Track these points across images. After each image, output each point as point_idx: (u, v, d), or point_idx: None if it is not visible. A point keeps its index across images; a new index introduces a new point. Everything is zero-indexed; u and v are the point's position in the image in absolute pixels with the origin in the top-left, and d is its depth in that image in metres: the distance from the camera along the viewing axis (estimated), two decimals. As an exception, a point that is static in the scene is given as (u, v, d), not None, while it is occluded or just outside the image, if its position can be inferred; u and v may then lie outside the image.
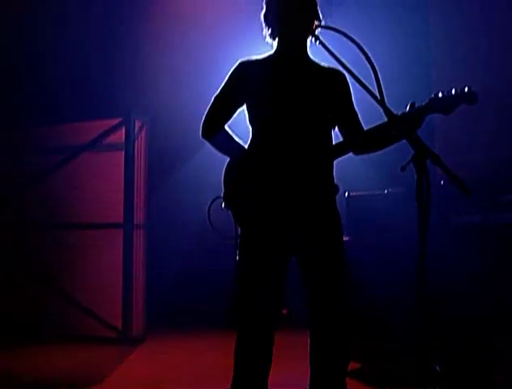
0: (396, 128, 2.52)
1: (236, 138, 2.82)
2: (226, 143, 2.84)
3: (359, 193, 5.25)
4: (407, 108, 2.57)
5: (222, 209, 2.83)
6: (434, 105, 2.57)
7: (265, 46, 2.86)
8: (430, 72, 6.37)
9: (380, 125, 2.66)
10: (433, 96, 2.58)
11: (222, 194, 2.81)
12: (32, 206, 6.48)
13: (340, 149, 2.77)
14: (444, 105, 2.56)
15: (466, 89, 2.52)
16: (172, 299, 7.08)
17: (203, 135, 2.83)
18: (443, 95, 2.56)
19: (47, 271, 6.33)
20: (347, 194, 5.12)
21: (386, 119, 2.46)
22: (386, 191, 5.14)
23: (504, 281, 4.50)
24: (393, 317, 4.64)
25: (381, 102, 2.28)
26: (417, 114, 2.56)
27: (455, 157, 5.01)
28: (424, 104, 2.59)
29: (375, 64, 2.30)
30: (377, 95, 2.29)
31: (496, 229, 4.72)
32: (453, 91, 2.55)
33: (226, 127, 2.84)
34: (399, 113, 2.50)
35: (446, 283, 4.47)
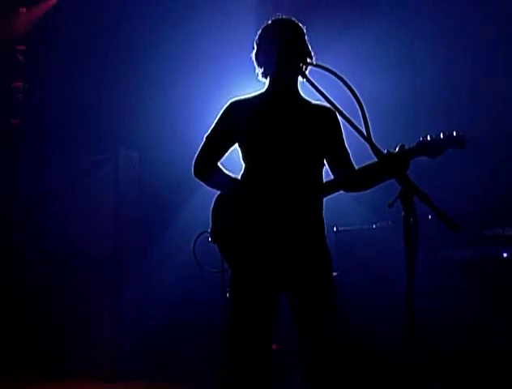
0: (385, 168, 2.54)
1: (227, 172, 2.85)
2: (217, 180, 2.86)
3: (347, 228, 5.27)
4: (397, 149, 2.60)
5: (208, 242, 2.84)
6: (423, 148, 2.62)
7: (256, 84, 2.90)
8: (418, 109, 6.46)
9: (369, 164, 2.69)
10: (421, 139, 2.63)
11: (209, 229, 2.82)
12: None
13: (330, 187, 2.80)
14: (432, 149, 2.61)
15: (454, 133, 2.57)
16: (158, 344, 6.97)
17: (196, 175, 2.86)
18: (432, 138, 2.61)
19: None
20: (335, 228, 5.13)
21: (373, 156, 2.48)
22: (374, 226, 5.16)
23: (492, 315, 4.51)
24: (381, 351, 4.62)
25: (367, 139, 2.31)
26: (406, 156, 2.59)
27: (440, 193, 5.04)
28: (412, 146, 2.63)
29: (362, 101, 2.34)
30: (364, 131, 2.32)
31: (482, 264, 4.74)
32: (441, 135, 2.59)
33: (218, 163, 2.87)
34: (386, 151, 2.52)
35: (434, 317, 4.48)
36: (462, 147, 2.58)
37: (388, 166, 2.45)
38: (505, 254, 4.77)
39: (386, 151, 2.51)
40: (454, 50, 6.16)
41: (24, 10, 9.14)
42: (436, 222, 2.29)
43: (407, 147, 2.63)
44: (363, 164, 2.76)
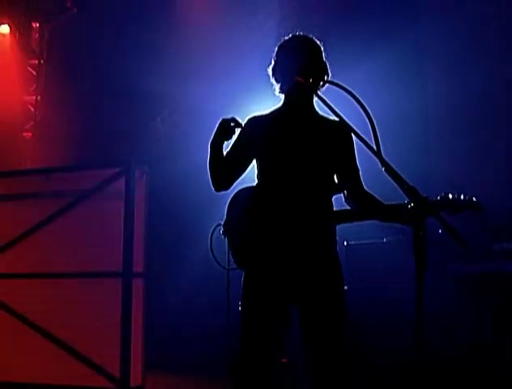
0: (406, 216, 2.60)
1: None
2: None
3: (358, 242, 5.28)
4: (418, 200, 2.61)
5: (220, 234, 2.91)
6: (443, 205, 2.73)
7: (271, 99, 2.94)
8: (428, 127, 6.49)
9: (388, 206, 2.76)
10: (443, 194, 2.75)
11: (223, 221, 2.88)
12: (29, 253, 6.47)
13: (344, 216, 2.85)
14: (452, 208, 2.73)
15: (474, 199, 2.72)
16: (172, 347, 7.02)
17: (216, 190, 2.91)
18: (453, 197, 2.72)
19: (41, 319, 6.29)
20: (345, 243, 5.15)
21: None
22: (384, 240, 5.17)
23: (500, 329, 4.50)
24: (392, 365, 4.62)
25: (377, 154, 2.34)
26: (428, 208, 2.61)
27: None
28: (435, 200, 2.73)
29: (373, 117, 2.37)
30: (374, 147, 2.35)
31: (492, 277, 4.74)
32: (461, 197, 2.73)
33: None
34: (408, 204, 2.55)
35: (444, 331, 4.47)
36: (480, 212, 2.73)
37: (408, 215, 2.50)
38: (515, 268, 4.77)
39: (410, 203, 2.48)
40: (465, 66, 6.19)
41: (37, 24, 9.30)
42: (446, 235, 2.31)
43: (429, 200, 2.65)
44: (378, 199, 2.82)
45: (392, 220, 2.78)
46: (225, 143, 2.88)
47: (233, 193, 2.94)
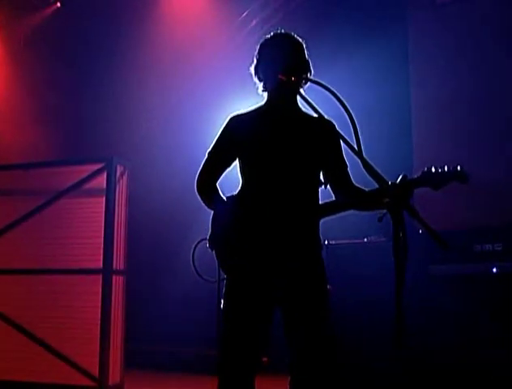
0: (387, 197, 2.48)
1: (224, 198, 2.85)
2: (215, 203, 2.85)
3: (338, 241, 5.28)
4: (399, 179, 2.56)
5: (207, 249, 2.85)
6: (426, 180, 2.62)
7: (253, 97, 2.92)
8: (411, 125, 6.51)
9: (371, 191, 2.69)
10: (425, 169, 2.63)
11: (208, 236, 2.83)
12: (7, 249, 6.40)
13: (329, 209, 2.81)
14: (436, 181, 2.62)
15: (458, 168, 2.59)
16: (153, 345, 7.00)
17: (198, 191, 2.87)
18: (436, 170, 2.61)
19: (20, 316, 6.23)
20: (326, 242, 5.14)
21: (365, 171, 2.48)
22: (365, 240, 5.18)
23: (481, 330, 4.52)
24: (373, 365, 4.63)
25: (358, 153, 2.33)
26: (409, 187, 2.57)
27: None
28: (417, 177, 2.64)
29: (354, 116, 2.36)
30: (355, 146, 2.34)
31: (472, 279, 4.77)
32: (445, 168, 2.60)
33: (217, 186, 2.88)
34: (390, 182, 2.46)
35: (424, 331, 4.49)
36: (465, 182, 2.60)
37: (390, 195, 2.41)
38: (494, 270, 4.79)
39: (390, 183, 2.44)
40: (450, 64, 6.21)
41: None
42: (426, 236, 2.30)
43: (409, 178, 2.60)
44: (365, 190, 2.76)
45: (376, 206, 2.69)
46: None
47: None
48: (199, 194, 2.88)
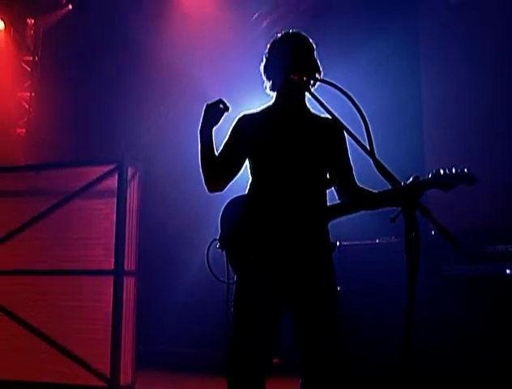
0: (399, 197, 2.49)
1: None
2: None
3: (350, 242, 5.26)
4: (411, 180, 2.58)
5: (217, 248, 2.85)
6: (435, 181, 2.68)
7: (262, 98, 2.91)
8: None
9: (384, 191, 2.69)
10: (434, 171, 2.70)
11: (218, 236, 2.83)
12: (19, 250, 6.43)
13: (338, 210, 2.80)
14: (445, 183, 2.68)
15: (466, 170, 2.66)
16: (164, 346, 7.00)
17: (210, 191, 2.88)
18: (444, 172, 2.67)
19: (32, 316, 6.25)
20: (338, 243, 5.13)
21: (375, 170, 2.47)
22: (377, 241, 5.16)
23: (493, 331, 4.49)
24: (384, 365, 4.60)
25: (370, 153, 2.32)
26: (420, 187, 2.60)
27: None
28: (426, 178, 2.68)
29: (366, 116, 2.35)
30: (367, 146, 2.33)
31: (485, 280, 4.74)
32: (453, 170, 2.67)
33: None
34: (403, 184, 2.46)
35: (434, 332, 4.46)
36: (472, 184, 2.66)
37: (401, 195, 2.40)
38: (507, 271, 4.76)
39: (402, 184, 2.44)
40: (461, 65, 6.18)
41: (32, 21, 9.25)
42: (439, 237, 2.29)
43: (420, 179, 2.62)
44: (375, 191, 2.76)
45: (385, 204, 2.73)
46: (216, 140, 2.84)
47: (223, 206, 2.88)
48: (212, 192, 2.90)
